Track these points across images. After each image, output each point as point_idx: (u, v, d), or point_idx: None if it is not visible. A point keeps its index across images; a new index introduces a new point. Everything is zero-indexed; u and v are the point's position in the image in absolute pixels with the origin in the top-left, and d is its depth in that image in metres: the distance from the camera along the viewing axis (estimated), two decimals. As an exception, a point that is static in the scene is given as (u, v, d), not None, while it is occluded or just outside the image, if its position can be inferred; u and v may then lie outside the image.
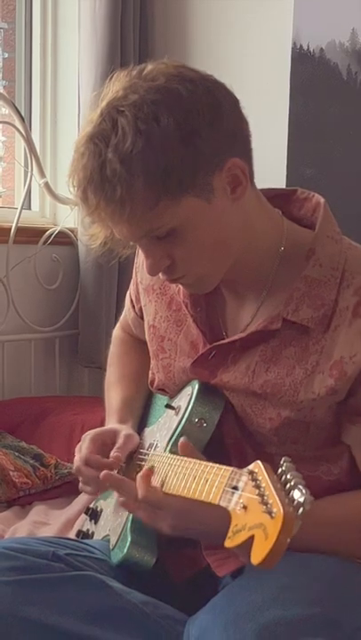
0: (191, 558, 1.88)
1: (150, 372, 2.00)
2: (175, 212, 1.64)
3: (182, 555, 1.89)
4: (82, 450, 1.92)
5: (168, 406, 1.90)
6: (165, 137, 1.59)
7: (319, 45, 3.39)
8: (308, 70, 3.42)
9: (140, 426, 2.03)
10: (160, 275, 1.75)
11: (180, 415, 1.83)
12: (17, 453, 2.89)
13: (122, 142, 1.58)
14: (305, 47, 3.41)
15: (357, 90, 3.34)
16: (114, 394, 2.12)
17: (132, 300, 2.11)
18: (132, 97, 1.62)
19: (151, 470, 1.73)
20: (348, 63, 3.35)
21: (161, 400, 2.01)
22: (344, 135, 3.38)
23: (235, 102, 1.70)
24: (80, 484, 1.97)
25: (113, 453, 1.90)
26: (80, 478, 1.95)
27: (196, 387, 1.84)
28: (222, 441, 1.84)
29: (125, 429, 1.96)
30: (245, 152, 1.72)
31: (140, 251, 1.98)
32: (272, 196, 1.82)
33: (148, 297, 1.99)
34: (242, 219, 1.73)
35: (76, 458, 1.94)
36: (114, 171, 1.58)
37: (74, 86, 3.68)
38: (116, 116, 1.61)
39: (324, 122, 3.42)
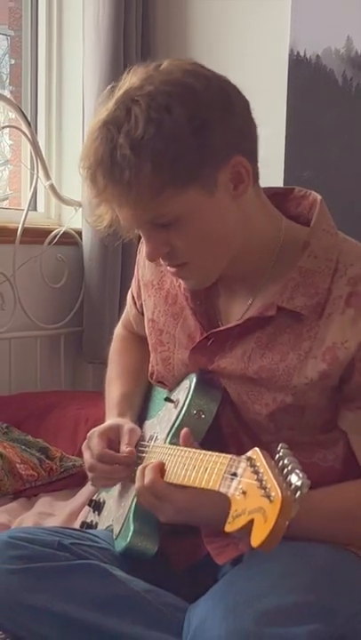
0: (192, 547, 1.88)
1: (150, 364, 2.01)
2: (179, 202, 1.64)
3: (183, 544, 1.90)
4: (93, 447, 1.92)
5: (167, 399, 1.91)
6: (176, 127, 1.60)
7: (316, 52, 3.39)
8: (305, 76, 3.42)
9: (141, 419, 2.04)
10: (161, 261, 1.76)
11: (178, 407, 1.84)
12: (23, 447, 2.90)
13: (134, 129, 1.60)
14: (302, 54, 3.41)
15: (353, 95, 3.34)
16: (113, 389, 2.13)
17: (133, 297, 2.12)
18: (148, 88, 1.63)
19: (163, 464, 1.74)
20: (343, 69, 3.35)
21: (160, 394, 2.01)
22: (340, 138, 3.39)
23: (246, 104, 1.72)
24: (92, 480, 1.98)
25: (125, 448, 1.91)
26: (91, 475, 1.95)
27: (194, 380, 1.84)
28: (220, 431, 1.84)
29: (127, 423, 1.97)
30: (251, 152, 1.72)
31: (141, 248, 2.00)
32: (271, 194, 1.83)
33: (147, 292, 2.00)
34: (241, 216, 1.73)
35: (86, 456, 1.94)
36: (123, 156, 1.60)
37: (78, 91, 3.69)
38: (130, 105, 1.62)
39: (320, 126, 3.42)
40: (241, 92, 1.71)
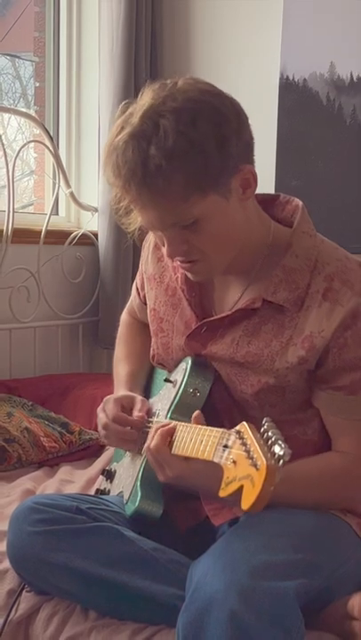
0: (193, 510, 1.89)
1: (152, 348, 2.01)
2: (201, 206, 1.64)
3: (185, 507, 1.90)
4: (108, 410, 1.93)
5: (167, 380, 1.92)
6: (203, 140, 1.59)
7: (303, 76, 3.38)
8: (294, 97, 3.40)
9: (145, 397, 2.03)
10: (177, 258, 1.75)
11: (177, 387, 1.85)
12: (46, 422, 2.89)
13: (163, 140, 1.57)
14: (291, 77, 3.40)
15: (335, 113, 3.33)
16: (121, 368, 2.13)
17: (137, 289, 2.12)
18: (172, 104, 1.60)
19: (171, 429, 1.74)
20: (327, 91, 3.34)
21: (161, 375, 2.03)
22: (324, 152, 3.38)
23: (246, 117, 1.70)
24: (105, 438, 1.99)
25: (137, 413, 1.93)
26: (104, 433, 1.96)
27: (190, 362, 1.85)
28: (214, 406, 1.85)
29: (139, 395, 1.99)
30: (253, 161, 1.72)
31: (146, 245, 2.00)
32: (259, 200, 1.83)
33: (149, 285, 2.00)
34: (244, 217, 1.74)
35: (101, 416, 1.95)
36: (157, 166, 1.57)
37: (94, 110, 3.68)
38: (157, 119, 1.59)
39: (307, 141, 3.41)
40: (243, 109, 1.70)
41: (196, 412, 1.72)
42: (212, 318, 1.83)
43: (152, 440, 1.73)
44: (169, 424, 1.74)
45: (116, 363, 2.18)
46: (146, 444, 1.77)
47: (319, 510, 1.77)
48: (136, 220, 1.76)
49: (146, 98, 1.65)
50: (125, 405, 1.95)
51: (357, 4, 3.26)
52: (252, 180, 1.70)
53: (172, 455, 1.70)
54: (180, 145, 1.57)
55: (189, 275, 1.83)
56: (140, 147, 1.59)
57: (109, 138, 1.66)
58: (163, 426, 1.74)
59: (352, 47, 3.28)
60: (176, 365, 1.92)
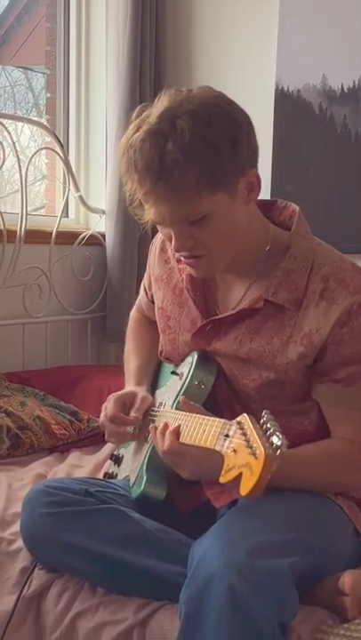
0: (194, 493, 1.89)
1: (160, 344, 2.01)
2: (210, 202, 1.64)
3: (187, 490, 1.90)
4: (108, 409, 1.94)
5: (173, 373, 1.93)
6: (217, 140, 1.59)
7: (297, 87, 3.37)
8: (288, 107, 3.40)
9: (152, 388, 2.05)
10: (183, 253, 1.74)
11: (183, 379, 1.85)
12: (57, 410, 2.89)
13: (181, 137, 1.57)
14: (285, 88, 3.39)
15: (327, 122, 3.33)
16: (131, 362, 2.14)
17: (145, 288, 2.12)
18: (188, 106, 1.61)
19: (174, 427, 1.73)
20: (319, 101, 3.33)
21: (168, 368, 2.03)
22: (317, 158, 3.37)
23: (253, 126, 1.71)
24: (106, 437, 1.98)
25: (133, 413, 1.92)
26: (105, 431, 1.96)
27: (196, 356, 1.86)
28: (216, 398, 1.85)
29: (141, 392, 1.99)
30: (257, 167, 1.72)
31: (152, 249, 2.00)
32: (258, 204, 1.83)
33: (157, 285, 1.99)
34: (247, 218, 1.74)
35: (101, 415, 1.96)
36: (174, 160, 1.57)
37: (102, 120, 3.68)
38: (174, 119, 1.60)
39: (300, 147, 3.41)
40: (250, 119, 1.71)
41: (181, 398, 1.75)
42: (216, 317, 1.83)
43: (163, 442, 1.72)
44: (174, 425, 1.72)
45: (126, 357, 2.18)
46: (151, 439, 1.79)
47: (315, 492, 1.78)
48: (149, 211, 1.75)
49: (162, 102, 1.65)
50: (127, 403, 1.95)
51: (348, 21, 3.26)
52: (257, 183, 1.71)
53: (183, 445, 1.69)
54: (196, 142, 1.58)
55: (192, 271, 1.82)
56: (157, 143, 1.59)
57: (125, 136, 1.66)
58: (165, 427, 1.73)
59: (343, 60, 3.28)
60: (182, 359, 1.92)
